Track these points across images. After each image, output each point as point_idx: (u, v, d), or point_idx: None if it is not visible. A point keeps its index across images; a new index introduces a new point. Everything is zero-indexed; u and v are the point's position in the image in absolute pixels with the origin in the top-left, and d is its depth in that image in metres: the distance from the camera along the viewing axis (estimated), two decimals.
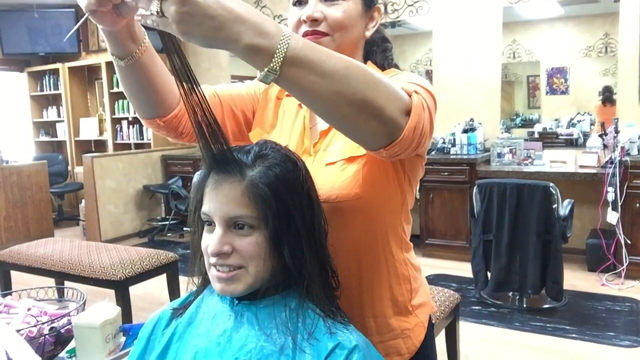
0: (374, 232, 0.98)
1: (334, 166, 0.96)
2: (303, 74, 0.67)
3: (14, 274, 3.35)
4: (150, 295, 3.74)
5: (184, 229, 5.96)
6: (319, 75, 0.68)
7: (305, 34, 0.97)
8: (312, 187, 0.87)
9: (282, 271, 0.84)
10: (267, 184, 0.81)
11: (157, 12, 0.63)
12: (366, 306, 1.00)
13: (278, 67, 0.65)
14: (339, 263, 0.91)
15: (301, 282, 0.85)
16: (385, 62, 1.10)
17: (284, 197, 0.82)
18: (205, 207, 0.83)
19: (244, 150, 0.85)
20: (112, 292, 2.85)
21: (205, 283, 0.95)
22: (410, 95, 0.77)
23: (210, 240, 0.82)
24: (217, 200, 0.82)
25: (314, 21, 0.96)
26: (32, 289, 1.42)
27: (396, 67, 1.10)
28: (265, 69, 0.65)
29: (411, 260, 1.07)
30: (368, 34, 1.04)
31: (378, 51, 1.10)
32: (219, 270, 0.83)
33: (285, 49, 0.65)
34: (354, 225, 0.96)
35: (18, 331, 1.07)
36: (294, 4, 1.00)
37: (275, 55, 0.65)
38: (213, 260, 0.83)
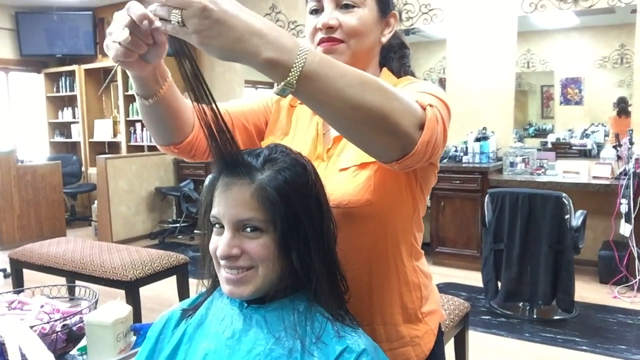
0: (385, 239, 0.98)
1: (347, 172, 0.96)
2: (319, 89, 0.68)
3: (27, 273, 3.39)
4: (160, 297, 3.76)
5: (195, 231, 5.99)
6: (335, 90, 0.69)
7: (321, 41, 0.98)
8: (321, 192, 0.88)
9: (291, 274, 0.85)
10: (275, 188, 0.81)
11: (178, 22, 0.64)
12: (376, 313, 1.00)
13: (295, 81, 0.66)
14: (350, 269, 0.91)
15: (309, 286, 0.85)
16: (401, 69, 1.10)
17: (293, 201, 0.82)
18: (214, 210, 0.84)
19: (254, 153, 0.86)
20: (122, 292, 2.87)
21: (214, 285, 0.95)
22: (424, 109, 0.78)
23: (219, 243, 0.83)
24: (226, 203, 0.82)
25: (330, 28, 0.97)
26: (44, 286, 1.44)
27: (412, 74, 1.10)
28: (283, 83, 0.67)
29: (422, 267, 1.07)
30: (384, 39, 1.05)
31: (395, 57, 1.11)
32: (228, 272, 0.84)
33: (302, 64, 0.66)
34: (364, 232, 0.96)
35: (31, 327, 1.09)
36: (311, 12, 1.01)
37: (292, 70, 0.66)
38: (222, 262, 0.84)
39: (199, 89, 0.74)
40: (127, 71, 0.85)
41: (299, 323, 0.83)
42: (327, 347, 0.81)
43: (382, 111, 0.71)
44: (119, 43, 0.75)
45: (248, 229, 0.82)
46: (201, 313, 0.93)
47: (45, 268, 3.20)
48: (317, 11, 1.00)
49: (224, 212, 0.83)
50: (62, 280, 3.24)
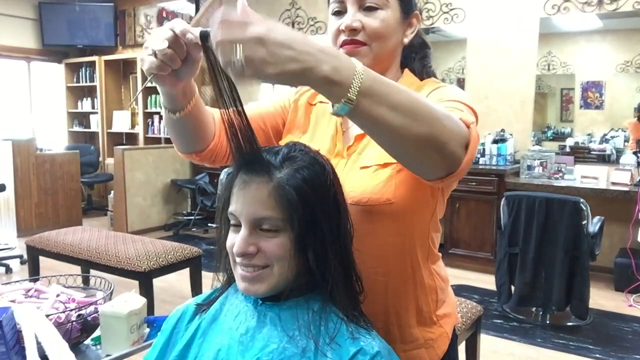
0: (402, 240, 0.97)
1: (368, 170, 0.96)
2: (375, 105, 0.69)
3: (42, 260, 3.44)
4: (173, 289, 3.79)
5: (209, 224, 6.02)
6: (389, 107, 0.69)
7: (344, 43, 0.98)
8: (339, 191, 0.87)
9: (306, 273, 0.85)
10: (294, 187, 0.81)
11: (240, 61, 0.63)
12: (391, 314, 1.00)
13: (355, 97, 0.67)
14: (366, 269, 0.91)
15: (325, 286, 0.84)
16: (423, 70, 1.09)
17: (311, 201, 0.82)
18: (232, 207, 0.84)
19: (273, 151, 0.86)
20: (135, 283, 2.90)
21: (229, 281, 0.95)
22: (468, 127, 0.78)
23: (236, 240, 0.83)
24: (244, 200, 0.82)
25: (353, 30, 0.96)
26: (60, 275, 1.46)
27: (434, 75, 1.10)
28: (343, 100, 0.67)
29: (438, 271, 1.07)
30: (406, 40, 1.04)
31: (417, 58, 1.10)
32: (243, 270, 0.84)
33: (360, 81, 0.67)
34: (382, 231, 0.96)
35: (47, 316, 1.10)
36: (333, 14, 1.01)
37: (351, 86, 0.66)
38: (238, 259, 0.84)
39: (230, 96, 0.76)
40: (157, 86, 0.88)
41: (313, 323, 0.83)
42: (340, 348, 0.80)
43: (432, 130, 0.72)
44: (155, 55, 0.78)
45: (265, 228, 0.82)
46: (215, 308, 0.93)
47: (61, 256, 3.24)
48: (340, 13, 0.99)
49: (241, 209, 0.83)
50: (77, 268, 3.28)
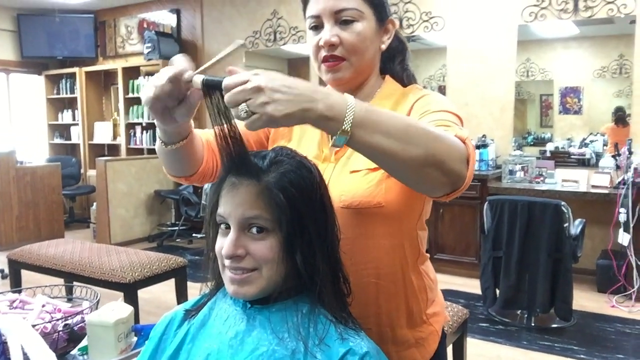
0: (392, 242, 0.99)
1: (358, 174, 0.97)
2: (369, 134, 0.74)
3: (25, 274, 3.38)
4: (158, 300, 3.76)
5: (193, 235, 5.98)
6: (383, 135, 0.74)
7: (324, 59, 1.00)
8: (325, 194, 0.89)
9: (294, 276, 0.85)
10: (281, 189, 0.82)
11: (246, 112, 0.71)
12: (383, 316, 1.01)
13: (349, 129, 0.73)
14: (357, 271, 0.92)
15: (313, 288, 0.85)
16: (404, 74, 1.11)
17: (298, 203, 0.83)
18: (220, 209, 0.85)
19: (260, 155, 0.87)
20: (120, 294, 2.86)
21: (218, 286, 0.96)
22: (464, 142, 0.82)
23: (224, 243, 0.84)
24: (233, 202, 0.83)
25: (332, 46, 0.99)
26: (45, 286, 1.44)
27: (414, 79, 1.12)
28: (339, 132, 0.73)
29: (427, 271, 1.09)
30: (384, 47, 1.06)
31: (396, 61, 1.12)
32: (232, 273, 0.84)
33: (352, 114, 0.73)
34: (373, 234, 0.97)
35: (33, 326, 1.09)
36: (311, 28, 1.02)
37: (345, 119, 0.73)
38: (227, 262, 0.84)
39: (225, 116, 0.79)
40: (155, 120, 0.90)
41: (302, 324, 0.84)
42: (330, 349, 0.81)
43: (429, 151, 0.76)
44: (154, 86, 0.83)
45: (254, 230, 0.83)
46: (204, 313, 0.93)
47: (43, 269, 3.19)
48: (317, 27, 1.01)
49: (230, 211, 0.83)
50: (60, 281, 3.23)
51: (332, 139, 0.74)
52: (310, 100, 0.71)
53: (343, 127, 0.72)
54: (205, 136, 1.08)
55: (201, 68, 0.83)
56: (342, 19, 0.98)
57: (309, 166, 0.88)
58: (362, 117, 0.73)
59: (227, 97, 0.72)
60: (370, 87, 1.07)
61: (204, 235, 5.73)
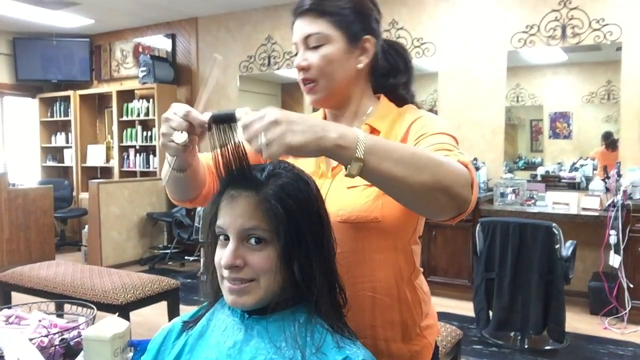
0: (388, 256, 1.01)
1: (356, 189, 1.00)
2: (380, 161, 0.78)
3: (15, 296, 3.35)
4: (150, 322, 3.72)
5: (186, 257, 5.95)
6: (393, 162, 0.78)
7: (302, 82, 1.06)
8: (322, 206, 0.91)
9: (292, 286, 0.87)
10: (279, 201, 0.84)
11: (264, 144, 0.75)
12: (378, 328, 1.03)
13: (362, 156, 0.77)
14: (354, 284, 0.94)
15: (310, 298, 0.87)
16: (407, 95, 1.15)
17: (295, 214, 0.85)
18: (220, 221, 0.87)
19: (259, 168, 0.89)
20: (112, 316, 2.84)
21: (216, 297, 0.97)
22: (466, 166, 0.86)
23: (223, 254, 0.85)
24: (232, 213, 0.85)
25: (303, 69, 1.05)
26: (41, 302, 1.44)
27: (412, 100, 1.14)
28: (352, 160, 0.77)
29: (421, 284, 1.10)
30: (360, 66, 1.07)
31: (401, 83, 1.15)
32: (230, 283, 0.86)
33: (364, 142, 0.77)
34: (370, 248, 1.00)
35: (30, 340, 1.09)
36: (295, 55, 1.09)
37: (357, 147, 0.77)
38: (225, 273, 0.86)
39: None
40: (167, 153, 0.97)
41: (299, 334, 0.85)
42: (326, 357, 0.82)
43: (434, 177, 0.79)
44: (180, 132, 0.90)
45: (252, 240, 0.85)
46: (202, 324, 0.94)
47: (34, 291, 3.16)
48: (297, 53, 1.08)
49: (229, 222, 0.85)
50: (52, 304, 3.20)
51: (346, 169, 0.78)
52: (324, 130, 0.76)
53: (357, 154, 0.76)
54: (205, 160, 1.12)
55: (202, 100, 0.92)
56: (311, 45, 1.04)
57: (306, 179, 0.91)
58: (372, 145, 0.77)
59: (245, 132, 0.77)
60: (361, 107, 1.10)
61: (196, 258, 5.77)
